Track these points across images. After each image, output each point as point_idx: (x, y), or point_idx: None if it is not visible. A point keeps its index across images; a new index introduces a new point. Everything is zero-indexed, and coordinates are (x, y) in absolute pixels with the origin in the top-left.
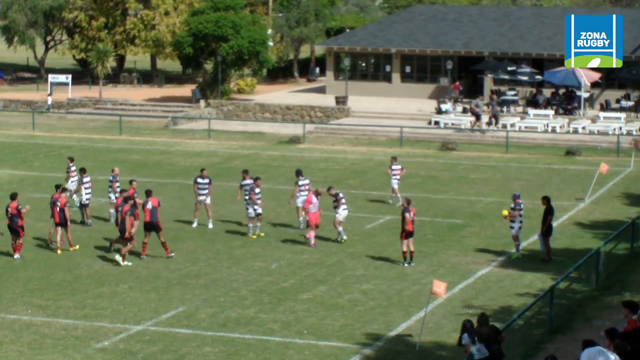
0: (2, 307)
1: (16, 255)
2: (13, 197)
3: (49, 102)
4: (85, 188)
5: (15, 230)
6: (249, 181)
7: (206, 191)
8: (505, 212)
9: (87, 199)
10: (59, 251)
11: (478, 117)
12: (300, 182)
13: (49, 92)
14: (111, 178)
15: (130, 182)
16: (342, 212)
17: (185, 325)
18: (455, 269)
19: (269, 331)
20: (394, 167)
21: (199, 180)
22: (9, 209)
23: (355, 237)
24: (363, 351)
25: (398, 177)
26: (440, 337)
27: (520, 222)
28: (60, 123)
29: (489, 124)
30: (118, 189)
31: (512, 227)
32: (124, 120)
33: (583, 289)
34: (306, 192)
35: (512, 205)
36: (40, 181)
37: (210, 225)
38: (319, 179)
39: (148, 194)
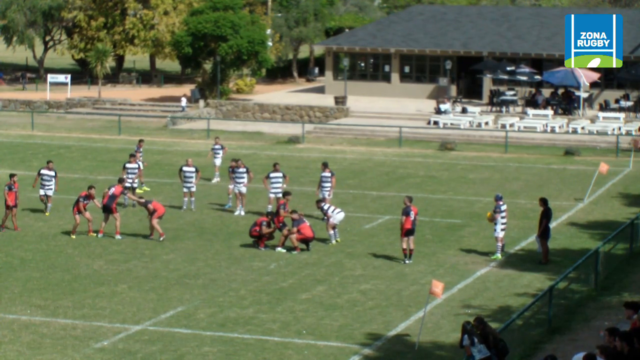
0: (1, 307)
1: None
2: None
3: (184, 102)
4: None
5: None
6: (327, 174)
7: (244, 180)
8: (489, 214)
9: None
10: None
11: None
12: (322, 174)
13: (183, 93)
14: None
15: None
16: (337, 216)
17: (184, 325)
18: (454, 269)
19: (267, 331)
20: (215, 146)
21: (238, 170)
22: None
23: (354, 237)
24: (362, 351)
25: (220, 156)
26: (439, 337)
27: (503, 224)
28: (59, 123)
29: None
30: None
31: (495, 229)
32: (123, 120)
33: (582, 289)
34: (329, 184)
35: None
36: None
37: (242, 213)
38: (317, 179)
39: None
